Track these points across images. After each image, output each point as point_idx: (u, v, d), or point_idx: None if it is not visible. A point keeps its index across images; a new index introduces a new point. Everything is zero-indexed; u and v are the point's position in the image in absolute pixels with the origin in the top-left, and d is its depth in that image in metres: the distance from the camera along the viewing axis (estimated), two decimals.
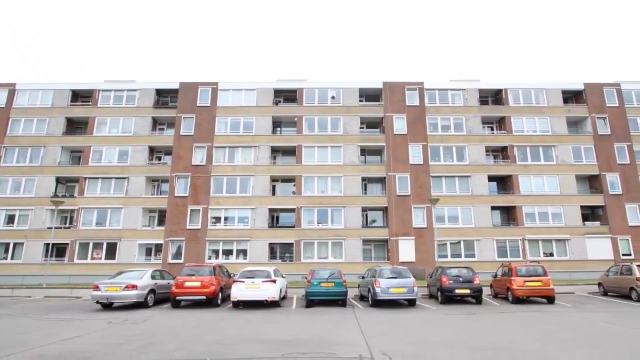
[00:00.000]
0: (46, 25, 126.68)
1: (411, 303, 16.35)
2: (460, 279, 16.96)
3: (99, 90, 34.47)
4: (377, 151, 34.55)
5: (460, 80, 35.41)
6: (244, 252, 31.28)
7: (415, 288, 16.03)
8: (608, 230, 31.53)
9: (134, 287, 15.50)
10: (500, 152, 34.61)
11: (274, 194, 33.51)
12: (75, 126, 35.00)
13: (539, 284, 16.77)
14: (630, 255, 30.59)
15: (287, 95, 35.63)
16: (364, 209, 32.90)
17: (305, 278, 17.24)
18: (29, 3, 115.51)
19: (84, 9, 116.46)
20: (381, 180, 33.64)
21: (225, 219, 32.14)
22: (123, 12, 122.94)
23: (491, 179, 33.38)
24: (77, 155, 34.11)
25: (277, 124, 35.19)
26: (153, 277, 16.96)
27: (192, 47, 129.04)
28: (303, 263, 30.11)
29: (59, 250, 31.35)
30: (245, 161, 33.13)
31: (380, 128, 34.68)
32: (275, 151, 34.42)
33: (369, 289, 16.60)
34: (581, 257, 30.80)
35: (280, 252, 32.24)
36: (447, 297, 16.96)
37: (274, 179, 33.59)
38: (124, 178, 32.64)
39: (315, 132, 33.83)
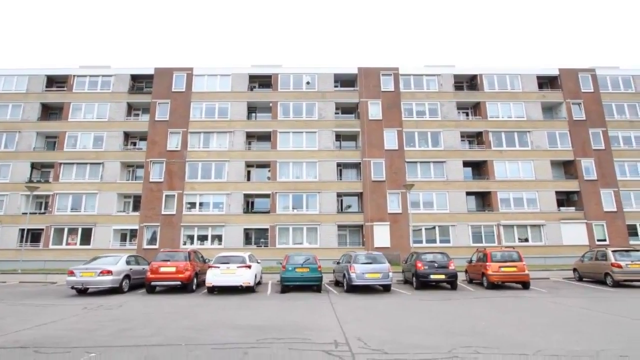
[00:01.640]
0: (21, 11, 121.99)
1: (386, 288, 15.22)
2: (435, 265, 15.66)
3: (74, 75, 31.61)
4: (352, 137, 31.81)
5: (435, 65, 32.59)
6: (219, 238, 28.72)
7: (391, 273, 14.88)
8: (583, 216, 29.07)
9: (109, 272, 14.39)
10: (475, 138, 31.88)
11: (249, 179, 30.77)
12: (50, 112, 32.23)
13: (514, 269, 15.55)
14: (605, 240, 28.32)
15: (262, 81, 32.82)
16: (339, 195, 30.23)
17: (280, 264, 16.02)
18: None
19: None
20: (356, 166, 30.97)
21: (200, 204, 29.49)
22: None
23: (466, 164, 30.70)
24: (52, 141, 31.34)
25: (252, 109, 32.36)
26: (128, 262, 15.71)
27: (168, 32, 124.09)
28: (278, 249, 27.72)
29: (34, 236, 28.93)
30: (220, 147, 30.39)
31: (355, 113, 31.92)
32: (250, 137, 31.66)
33: (344, 275, 15.40)
34: (556, 243, 28.46)
35: (255, 237, 29.62)
36: (422, 283, 15.68)
37: (249, 165, 30.85)
38: (99, 163, 29.94)
39: (290, 117, 31.07)
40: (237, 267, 14.50)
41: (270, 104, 31.35)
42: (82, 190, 29.32)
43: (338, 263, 17.52)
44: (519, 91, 31.59)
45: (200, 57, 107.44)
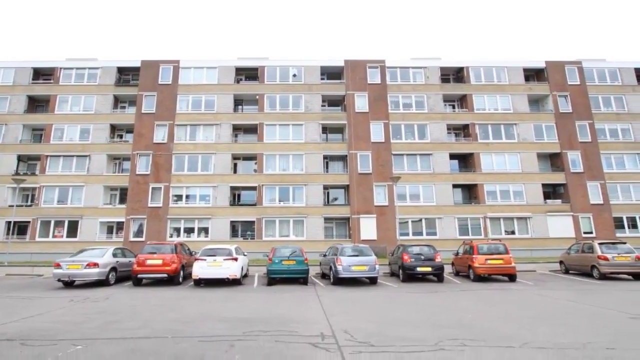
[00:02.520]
0: (7, 3, 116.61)
1: (373, 281, 14.50)
2: (422, 257, 14.90)
3: (60, 68, 29.93)
4: (339, 129, 30.14)
5: (422, 58, 30.91)
6: (205, 230, 27.07)
7: (377, 266, 14.20)
8: (569, 208, 27.48)
9: (96, 265, 13.77)
10: (462, 130, 30.26)
11: (235, 172, 29.07)
12: (36, 104, 30.51)
13: (501, 262, 14.82)
14: (591, 233, 26.74)
15: (249, 74, 31.08)
16: (326, 187, 28.59)
17: (267, 256, 15.21)
18: None
19: None
20: (343, 158, 29.31)
21: (187, 197, 27.85)
22: None
23: (453, 156, 29.06)
24: (38, 134, 29.65)
25: (238, 102, 30.63)
26: (114, 255, 15.05)
27: (154, 25, 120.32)
28: (265, 241, 26.07)
29: (20, 229, 27.36)
30: (207, 139, 28.73)
31: (342, 106, 30.22)
32: (237, 129, 29.90)
33: (330, 267, 14.66)
34: (543, 235, 26.91)
35: (242, 230, 27.95)
36: (409, 275, 14.91)
37: (235, 157, 29.15)
38: (86, 156, 28.29)
39: (276, 110, 29.41)
40: (224, 259, 13.90)
41: (257, 97, 29.70)
42: (69, 183, 27.73)
43: (325, 255, 16.62)
44: (505, 83, 29.97)
45: (186, 50, 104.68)
